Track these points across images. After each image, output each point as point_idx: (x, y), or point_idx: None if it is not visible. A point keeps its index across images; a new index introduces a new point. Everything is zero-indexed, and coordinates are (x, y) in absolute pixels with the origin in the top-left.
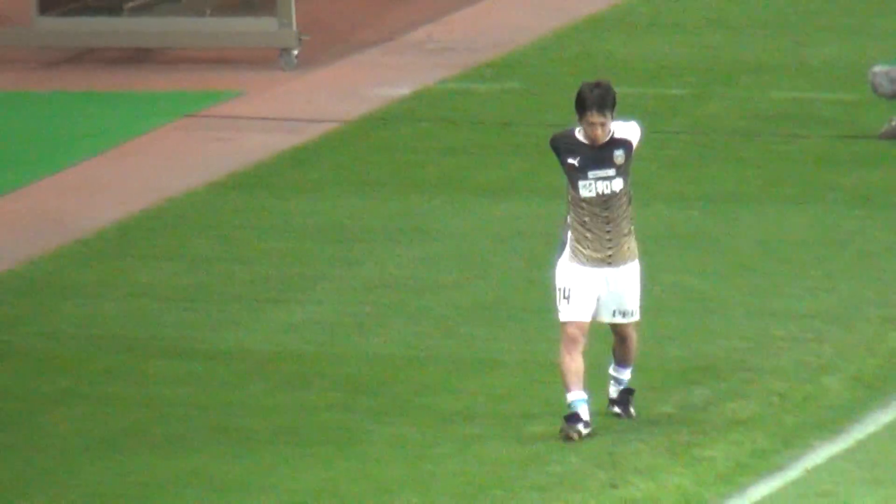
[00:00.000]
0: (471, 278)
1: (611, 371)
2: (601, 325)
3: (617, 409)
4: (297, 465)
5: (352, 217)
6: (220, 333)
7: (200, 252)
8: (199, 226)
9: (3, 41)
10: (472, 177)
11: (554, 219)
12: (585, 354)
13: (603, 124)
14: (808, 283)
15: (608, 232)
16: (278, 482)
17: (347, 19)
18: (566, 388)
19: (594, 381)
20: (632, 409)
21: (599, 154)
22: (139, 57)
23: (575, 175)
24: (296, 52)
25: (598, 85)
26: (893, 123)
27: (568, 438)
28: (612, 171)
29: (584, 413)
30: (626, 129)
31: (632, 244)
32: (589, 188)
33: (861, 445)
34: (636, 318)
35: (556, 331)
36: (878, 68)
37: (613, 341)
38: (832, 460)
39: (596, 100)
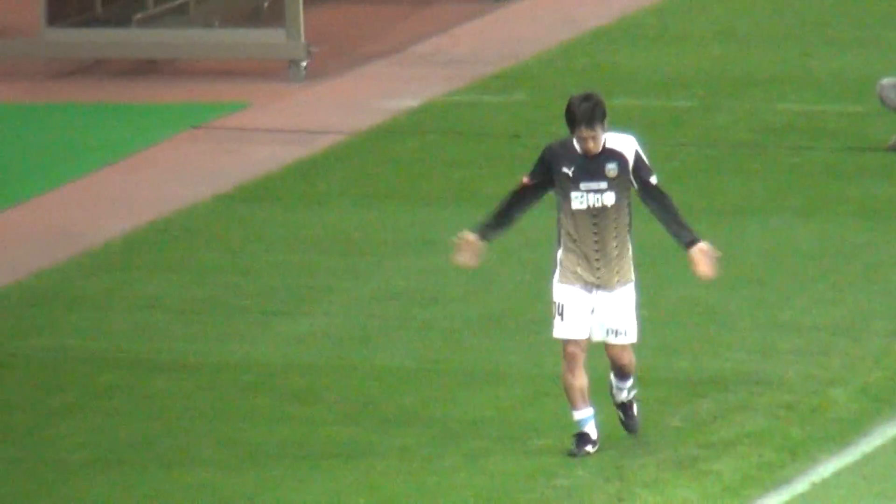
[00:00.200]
0: (478, 291)
1: (612, 383)
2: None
3: (622, 416)
4: (304, 478)
5: (359, 229)
6: (226, 346)
7: (207, 264)
8: (206, 238)
9: (12, 53)
10: (480, 189)
11: None
12: (588, 367)
13: (594, 138)
14: (815, 296)
15: (597, 251)
16: (285, 495)
17: (355, 32)
18: (572, 407)
19: (598, 394)
20: (636, 417)
21: (593, 165)
22: (147, 68)
23: (568, 186)
24: (304, 64)
25: (586, 98)
26: None
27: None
28: (604, 184)
29: (592, 431)
30: (621, 142)
31: (623, 267)
32: (581, 200)
33: (868, 459)
34: (631, 339)
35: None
36: (885, 81)
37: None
38: (839, 474)
39: (585, 114)
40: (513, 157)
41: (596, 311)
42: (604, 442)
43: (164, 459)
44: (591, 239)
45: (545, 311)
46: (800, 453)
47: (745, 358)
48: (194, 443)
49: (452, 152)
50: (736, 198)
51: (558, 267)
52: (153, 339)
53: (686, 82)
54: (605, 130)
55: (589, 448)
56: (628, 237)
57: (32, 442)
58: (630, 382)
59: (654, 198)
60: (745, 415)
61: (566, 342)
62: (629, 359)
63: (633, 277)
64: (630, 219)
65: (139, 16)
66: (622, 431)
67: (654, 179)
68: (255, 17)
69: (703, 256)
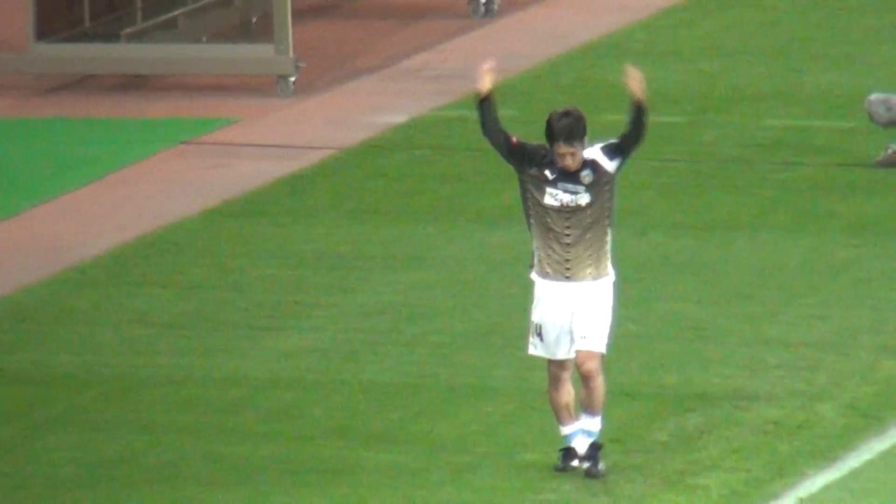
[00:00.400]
0: (466, 305)
1: (580, 421)
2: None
3: (586, 465)
4: (292, 493)
5: (347, 244)
6: (214, 360)
7: (195, 279)
8: (194, 253)
9: (0, 67)
10: (468, 204)
11: None
12: (574, 381)
13: (573, 154)
14: (803, 311)
15: (568, 252)
16: None
17: (344, 47)
18: (558, 422)
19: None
20: (601, 466)
21: (573, 175)
22: (135, 83)
23: (544, 184)
24: (292, 80)
25: (566, 114)
26: (890, 151)
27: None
28: (581, 189)
29: (580, 446)
30: (589, 152)
31: (597, 268)
32: (555, 197)
33: (856, 474)
34: (597, 347)
35: None
36: (874, 96)
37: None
38: (827, 489)
39: (563, 130)
40: (501, 173)
41: (567, 318)
42: None
43: (150, 474)
44: (563, 235)
45: None
46: (787, 468)
47: (732, 373)
48: (181, 458)
49: (441, 167)
50: (724, 213)
51: (535, 259)
52: (141, 353)
53: (674, 98)
54: (584, 147)
55: (576, 463)
56: (606, 233)
57: (19, 456)
58: (598, 422)
59: (625, 138)
60: (732, 430)
61: (549, 362)
62: (594, 367)
63: (610, 273)
64: (610, 214)
65: (128, 31)
66: (609, 447)
67: (613, 140)
68: (243, 33)
69: (632, 73)
